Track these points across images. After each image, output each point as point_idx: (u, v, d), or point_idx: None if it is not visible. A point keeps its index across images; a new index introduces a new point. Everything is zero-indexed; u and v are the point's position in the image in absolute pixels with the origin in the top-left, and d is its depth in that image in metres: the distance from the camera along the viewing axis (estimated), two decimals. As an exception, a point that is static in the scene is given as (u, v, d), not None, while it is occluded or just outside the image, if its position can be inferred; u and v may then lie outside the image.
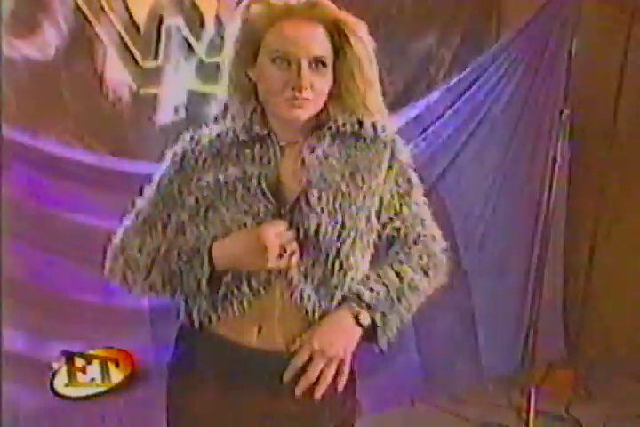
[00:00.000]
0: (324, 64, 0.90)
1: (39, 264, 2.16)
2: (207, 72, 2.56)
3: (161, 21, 2.44)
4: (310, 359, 0.88)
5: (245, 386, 0.91)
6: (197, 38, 2.51)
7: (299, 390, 0.89)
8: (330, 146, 0.94)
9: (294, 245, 0.87)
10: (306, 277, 0.89)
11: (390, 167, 0.96)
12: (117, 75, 2.42)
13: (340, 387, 0.91)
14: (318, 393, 0.89)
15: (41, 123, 2.30)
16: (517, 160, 2.50)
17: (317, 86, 0.89)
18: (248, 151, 0.93)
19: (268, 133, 0.94)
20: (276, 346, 0.91)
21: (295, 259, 0.87)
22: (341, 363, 0.90)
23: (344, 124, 0.94)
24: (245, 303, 0.90)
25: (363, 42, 0.92)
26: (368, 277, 0.94)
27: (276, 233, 0.86)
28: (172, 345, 1.01)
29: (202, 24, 2.50)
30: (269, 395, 0.90)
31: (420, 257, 0.96)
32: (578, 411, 2.34)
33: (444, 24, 2.85)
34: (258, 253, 0.84)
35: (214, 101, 2.61)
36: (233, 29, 0.93)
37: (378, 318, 0.90)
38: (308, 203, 0.89)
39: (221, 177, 0.91)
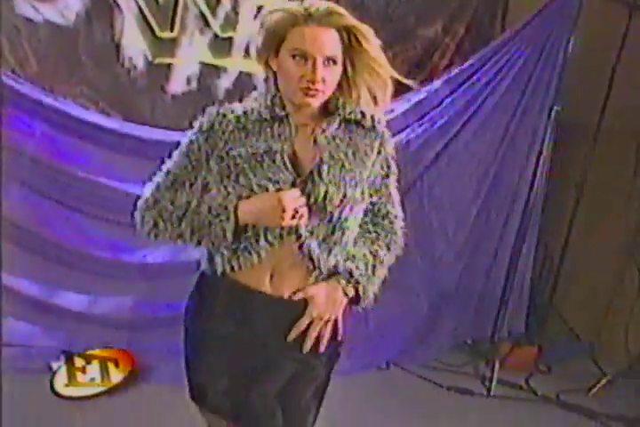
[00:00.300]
0: (334, 62, 1.07)
1: (51, 217, 2.31)
2: (220, 46, 2.65)
3: (179, -6, 2.53)
4: (311, 323, 1.11)
5: (256, 324, 1.11)
6: (213, 13, 2.60)
7: (305, 349, 1.11)
8: (337, 129, 1.12)
9: (305, 209, 1.05)
10: (312, 233, 1.08)
11: (379, 153, 1.17)
12: (134, 43, 2.52)
13: (339, 337, 1.16)
14: (321, 348, 1.12)
15: (59, 85, 2.42)
16: (507, 152, 2.65)
17: (328, 80, 1.06)
18: (269, 129, 1.09)
19: (286, 115, 1.10)
20: (283, 293, 1.11)
21: (304, 220, 1.06)
22: (335, 322, 1.15)
23: (350, 113, 1.13)
24: (263, 254, 1.07)
25: (374, 45, 1.09)
26: (354, 256, 1.14)
27: (293, 198, 1.04)
28: (190, 292, 1.19)
29: (218, -1, 2.59)
30: (275, 331, 1.12)
31: (386, 236, 1.19)
32: (536, 383, 2.58)
33: (451, 13, 2.94)
34: (277, 213, 1.02)
35: (225, 74, 2.73)
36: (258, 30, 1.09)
37: (361, 289, 1.14)
38: (319, 175, 1.07)
39: (250, 150, 1.07)
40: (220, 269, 1.11)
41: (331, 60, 1.06)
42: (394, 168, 1.20)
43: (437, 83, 2.56)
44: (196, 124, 1.14)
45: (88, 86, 2.49)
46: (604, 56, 2.65)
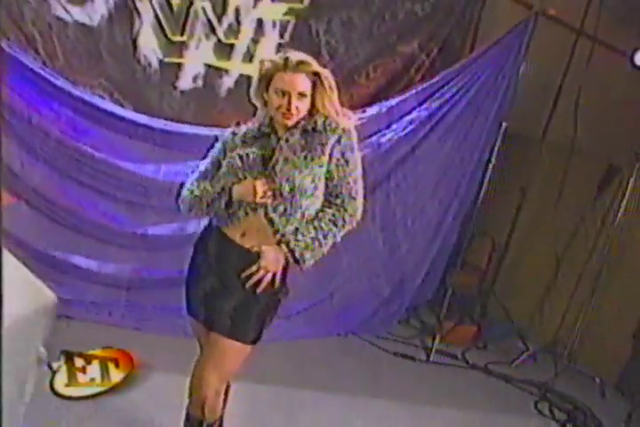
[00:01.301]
0: (304, 96, 1.57)
1: (69, 190, 2.71)
2: (223, 50, 3.06)
3: (191, 4, 2.93)
4: (258, 270, 1.57)
5: (225, 261, 1.61)
6: (219, 21, 3.00)
7: (248, 285, 1.57)
8: (298, 138, 1.60)
9: (270, 193, 1.56)
10: (275, 209, 1.57)
11: (333, 147, 1.59)
12: (149, 44, 2.91)
13: (276, 284, 1.61)
14: (260, 288, 1.58)
15: (81, 77, 2.81)
16: (462, 158, 3.09)
17: (299, 108, 1.57)
18: (258, 142, 1.63)
19: (270, 131, 1.63)
20: (248, 245, 1.60)
21: (269, 199, 1.55)
22: (275, 274, 1.59)
23: (305, 125, 1.61)
24: (241, 218, 1.59)
25: (330, 82, 1.60)
26: (298, 231, 1.57)
27: (262, 185, 1.55)
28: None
29: (224, 10, 2.99)
30: (235, 269, 1.59)
31: (334, 214, 1.61)
32: (471, 356, 3.04)
33: (428, 34, 3.35)
34: (252, 193, 1.54)
35: (227, 75, 3.13)
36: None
37: (297, 255, 1.57)
38: (275, 171, 1.57)
39: (241, 153, 1.62)
40: (215, 224, 1.64)
41: (301, 95, 1.56)
42: (349, 155, 1.60)
43: (408, 94, 2.98)
44: (220, 139, 1.70)
45: (107, 79, 2.88)
46: (551, 79, 3.09)
